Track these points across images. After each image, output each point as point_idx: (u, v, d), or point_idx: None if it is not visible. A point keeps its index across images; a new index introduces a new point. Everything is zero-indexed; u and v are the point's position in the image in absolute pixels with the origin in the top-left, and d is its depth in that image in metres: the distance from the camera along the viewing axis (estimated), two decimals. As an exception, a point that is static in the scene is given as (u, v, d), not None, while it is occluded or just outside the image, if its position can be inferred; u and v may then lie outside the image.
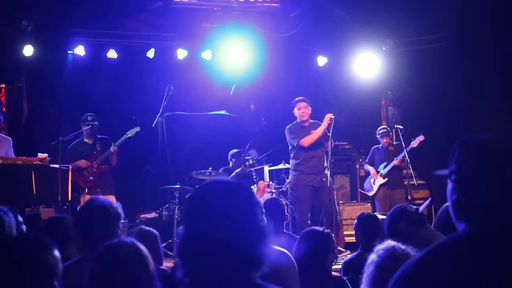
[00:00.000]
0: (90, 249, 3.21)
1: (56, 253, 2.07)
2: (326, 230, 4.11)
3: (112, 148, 8.28)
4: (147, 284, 2.28)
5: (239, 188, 1.81)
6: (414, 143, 8.81)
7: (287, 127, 8.31)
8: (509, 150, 1.71)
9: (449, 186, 1.79)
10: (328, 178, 7.82)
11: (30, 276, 1.96)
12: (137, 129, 8.55)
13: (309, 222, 7.71)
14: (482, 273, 1.56)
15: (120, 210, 3.32)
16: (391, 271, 2.36)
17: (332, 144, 8.21)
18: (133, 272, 2.26)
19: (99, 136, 8.58)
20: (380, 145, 9.43)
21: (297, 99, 8.33)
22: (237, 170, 9.46)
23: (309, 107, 8.24)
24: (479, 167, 1.70)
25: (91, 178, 8.33)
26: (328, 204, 7.90)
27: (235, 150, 9.99)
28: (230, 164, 9.92)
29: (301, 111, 8.19)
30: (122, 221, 3.34)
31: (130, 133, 8.47)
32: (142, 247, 2.35)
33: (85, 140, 8.54)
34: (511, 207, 1.65)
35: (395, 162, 9.01)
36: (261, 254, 1.71)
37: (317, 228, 4.17)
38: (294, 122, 8.33)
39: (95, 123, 8.40)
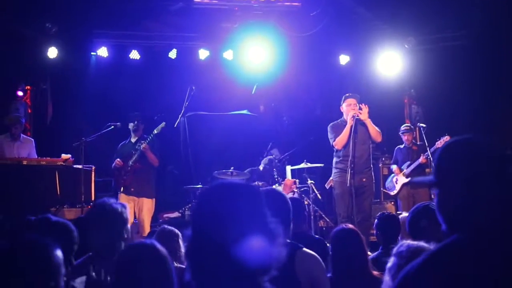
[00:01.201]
0: (92, 253, 3.28)
1: (59, 252, 2.09)
2: (349, 226, 4.06)
3: (141, 146, 8.22)
4: (166, 284, 2.32)
5: (246, 190, 1.76)
6: (439, 144, 8.68)
7: (330, 124, 7.86)
8: (503, 153, 1.69)
9: (439, 192, 1.75)
10: (349, 178, 7.32)
11: (33, 277, 1.98)
12: (163, 124, 8.47)
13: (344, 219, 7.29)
14: (485, 276, 1.57)
15: (126, 215, 3.31)
16: None
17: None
18: (152, 273, 2.30)
19: (145, 136, 8.49)
20: (403, 145, 9.37)
21: (347, 94, 7.84)
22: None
23: (358, 104, 7.63)
24: (478, 173, 1.68)
25: (125, 177, 8.32)
26: (363, 204, 7.49)
27: (270, 158, 9.80)
28: (261, 168, 9.77)
29: (351, 107, 7.62)
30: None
31: (157, 129, 8.40)
32: (162, 248, 2.39)
33: (132, 139, 8.55)
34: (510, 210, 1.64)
35: (421, 160, 8.93)
36: (269, 257, 1.65)
37: (343, 225, 4.11)
38: (339, 120, 7.85)
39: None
